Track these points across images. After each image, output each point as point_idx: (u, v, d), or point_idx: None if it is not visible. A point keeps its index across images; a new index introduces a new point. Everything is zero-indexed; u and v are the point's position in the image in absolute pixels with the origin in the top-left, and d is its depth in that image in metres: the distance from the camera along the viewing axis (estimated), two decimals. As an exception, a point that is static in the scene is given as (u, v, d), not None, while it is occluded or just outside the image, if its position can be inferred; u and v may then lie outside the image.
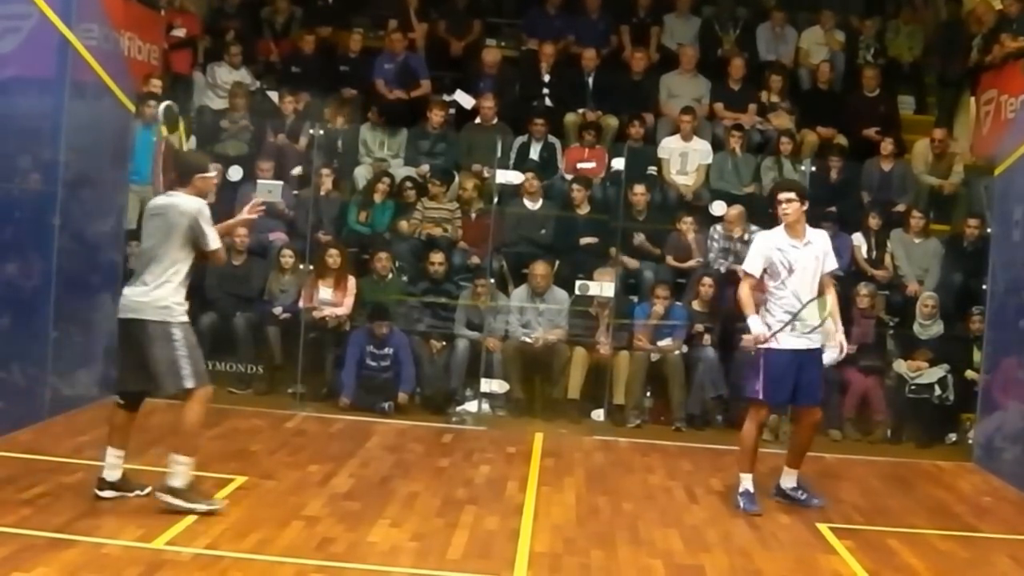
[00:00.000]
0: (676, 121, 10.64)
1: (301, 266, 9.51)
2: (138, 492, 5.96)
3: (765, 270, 6.64)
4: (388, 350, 9.08)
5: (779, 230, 6.67)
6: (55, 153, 7.64)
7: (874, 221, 9.91)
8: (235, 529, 5.58)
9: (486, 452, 7.89)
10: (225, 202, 9.98)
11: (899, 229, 9.93)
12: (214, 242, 5.90)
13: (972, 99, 10.79)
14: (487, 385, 9.13)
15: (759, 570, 5.58)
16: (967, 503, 7.32)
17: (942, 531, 6.48)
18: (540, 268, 9.43)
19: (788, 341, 6.57)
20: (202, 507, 5.76)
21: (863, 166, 10.44)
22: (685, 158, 10.48)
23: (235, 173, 10.08)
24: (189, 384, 5.80)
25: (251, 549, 5.31)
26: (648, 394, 9.31)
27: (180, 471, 5.76)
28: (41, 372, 7.68)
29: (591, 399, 9.22)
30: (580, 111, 10.94)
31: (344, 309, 9.29)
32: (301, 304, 9.27)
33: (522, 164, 10.26)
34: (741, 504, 6.62)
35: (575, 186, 9.99)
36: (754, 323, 6.60)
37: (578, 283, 9.25)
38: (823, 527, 6.35)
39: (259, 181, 9.87)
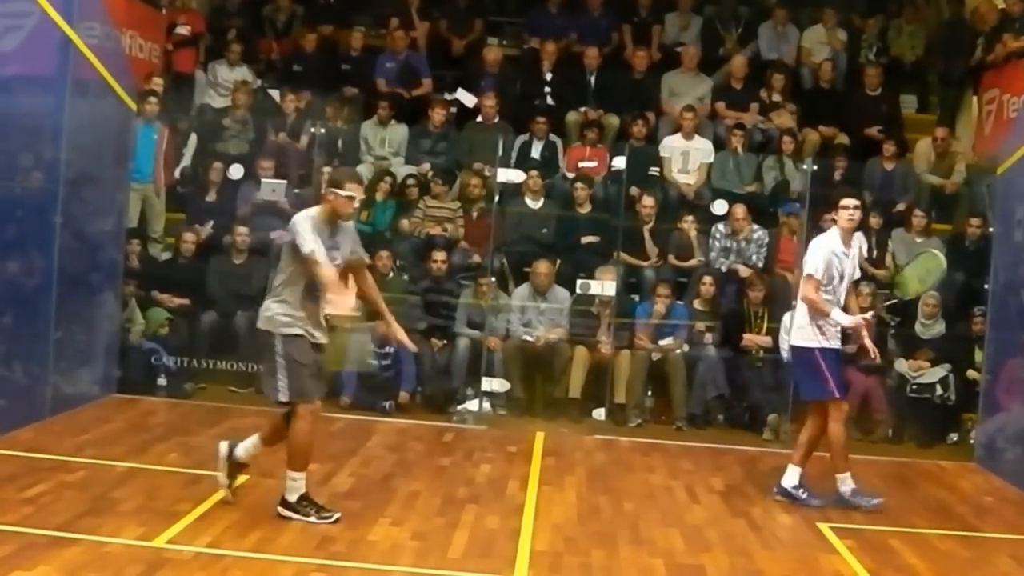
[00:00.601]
0: (678, 120, 10.63)
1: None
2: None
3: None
4: (389, 349, 9.07)
5: (835, 236, 6.79)
6: (56, 151, 7.64)
7: (875, 220, 9.90)
8: (236, 528, 5.57)
9: (487, 451, 7.89)
10: (226, 200, 10.04)
11: (900, 228, 9.91)
12: (307, 247, 5.58)
13: (974, 98, 10.80)
14: (488, 384, 9.12)
15: (760, 570, 5.57)
16: (968, 503, 7.31)
17: (943, 531, 6.48)
18: (541, 267, 9.42)
19: (835, 341, 6.86)
20: (314, 519, 5.78)
21: (865, 165, 10.42)
22: (687, 157, 10.47)
23: (236, 171, 10.08)
24: (282, 398, 5.78)
25: (252, 548, 5.30)
26: (649, 393, 9.30)
27: (291, 486, 5.84)
28: (42, 371, 7.68)
29: (592, 398, 9.21)
30: (582, 110, 10.94)
31: (351, 304, 9.26)
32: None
33: (523, 163, 10.26)
34: (862, 503, 6.71)
35: (577, 185, 9.99)
36: (842, 317, 6.76)
37: (579, 282, 9.25)
38: (824, 527, 6.35)
39: (263, 180, 9.89)
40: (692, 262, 9.80)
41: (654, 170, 10.44)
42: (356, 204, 5.85)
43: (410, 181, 10.20)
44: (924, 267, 7.11)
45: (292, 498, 5.83)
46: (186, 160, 10.40)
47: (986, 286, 8.88)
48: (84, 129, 7.96)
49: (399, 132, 10.72)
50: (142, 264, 9.44)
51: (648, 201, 9.82)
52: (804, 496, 6.84)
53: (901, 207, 10.17)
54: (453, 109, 10.93)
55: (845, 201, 6.79)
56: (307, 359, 5.77)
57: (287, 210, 9.93)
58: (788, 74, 11.16)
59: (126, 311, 9.07)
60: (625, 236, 9.69)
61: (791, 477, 6.90)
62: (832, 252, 6.75)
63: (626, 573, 5.41)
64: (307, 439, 5.83)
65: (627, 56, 11.42)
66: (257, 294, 9.51)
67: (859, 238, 7.02)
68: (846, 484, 6.78)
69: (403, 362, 9.07)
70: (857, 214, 6.79)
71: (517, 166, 10.07)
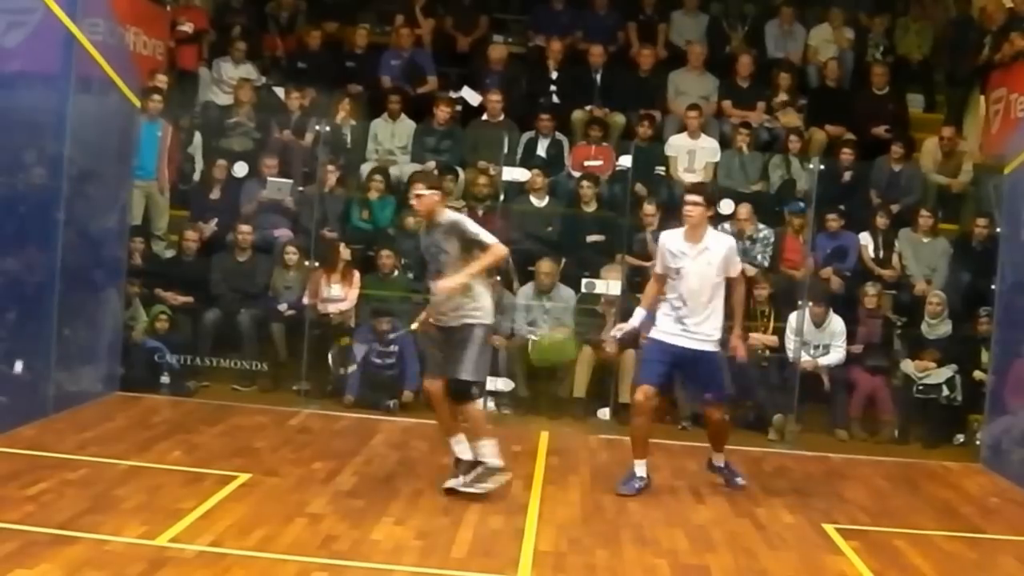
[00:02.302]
0: (683, 119, 10.60)
1: (306, 262, 9.49)
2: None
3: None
4: (393, 348, 9.05)
5: (679, 232, 6.67)
6: (60, 148, 7.62)
7: (881, 220, 9.86)
8: (238, 526, 5.56)
9: (491, 450, 7.86)
10: (230, 198, 10.02)
11: (907, 228, 9.88)
12: (488, 238, 6.34)
13: (981, 97, 10.75)
14: (492, 383, 9.08)
15: (764, 570, 5.55)
16: (974, 504, 7.28)
17: (949, 532, 6.44)
18: (546, 266, 9.39)
19: (665, 335, 6.65)
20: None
21: (873, 165, 10.39)
22: (693, 156, 10.44)
23: (240, 169, 10.06)
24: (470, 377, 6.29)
25: (254, 547, 5.28)
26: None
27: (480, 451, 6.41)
28: (45, 368, 7.66)
29: (597, 398, 9.18)
30: (588, 108, 10.91)
31: (348, 303, 9.27)
32: (306, 300, 9.25)
33: (529, 161, 10.23)
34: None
35: (583, 183, 9.96)
36: (635, 315, 6.79)
37: (584, 281, 9.22)
38: (829, 527, 6.32)
39: (268, 179, 9.88)
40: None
41: (660, 169, 10.41)
42: (413, 203, 6.40)
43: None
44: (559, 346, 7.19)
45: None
46: (199, 163, 10.38)
47: (993, 286, 8.83)
48: (88, 126, 7.95)
49: (408, 127, 10.70)
50: (145, 261, 9.42)
51: (650, 209, 9.80)
52: (727, 473, 7.09)
53: (904, 204, 10.12)
54: (458, 107, 10.91)
55: (685, 197, 6.68)
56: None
57: (291, 209, 9.95)
58: (794, 73, 11.13)
59: (130, 309, 9.06)
60: (630, 235, 9.66)
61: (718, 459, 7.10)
62: (667, 248, 6.63)
63: (630, 573, 5.38)
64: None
65: (633, 54, 11.40)
66: (260, 292, 9.55)
67: (724, 239, 6.74)
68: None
69: (407, 361, 9.05)
70: (695, 210, 6.52)
71: (522, 164, 10.05)
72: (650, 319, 6.82)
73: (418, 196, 6.40)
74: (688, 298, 6.57)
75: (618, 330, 7.04)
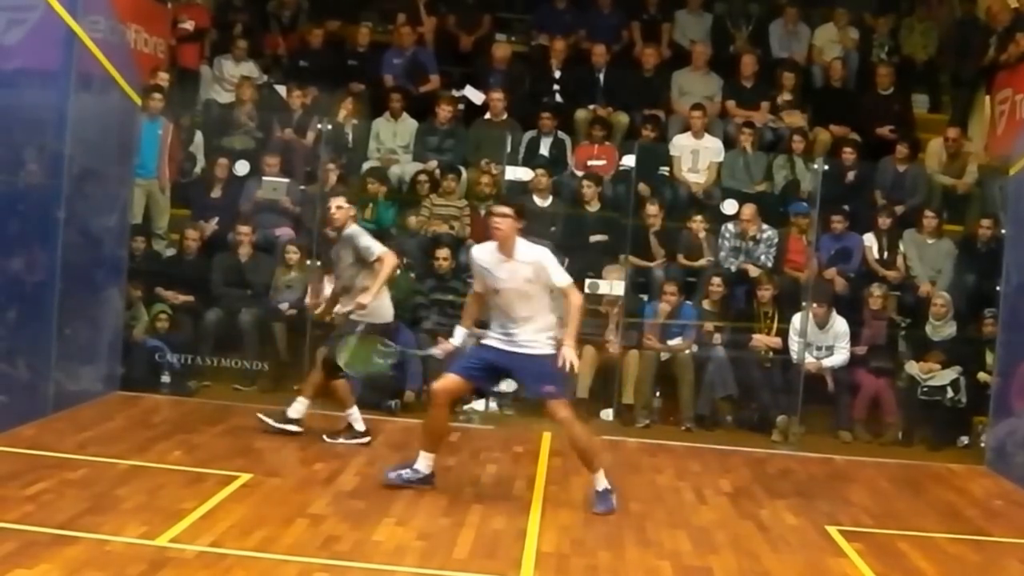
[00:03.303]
0: (687, 118, 10.57)
1: (308, 262, 9.46)
2: None
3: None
4: (394, 348, 8.99)
5: (491, 246, 6.43)
6: (60, 146, 7.60)
7: (885, 221, 9.82)
8: (239, 527, 5.54)
9: (493, 451, 7.85)
10: (231, 196, 10.00)
11: (912, 229, 9.84)
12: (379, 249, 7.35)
13: (987, 98, 10.70)
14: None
15: (767, 572, 5.53)
16: (978, 506, 7.25)
17: (953, 535, 6.42)
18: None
19: (489, 339, 6.47)
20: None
21: (877, 165, 10.35)
22: (696, 155, 10.40)
23: (242, 168, 10.04)
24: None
25: (255, 547, 5.26)
26: (657, 394, 9.24)
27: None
28: (45, 367, 7.63)
29: (600, 399, 9.15)
30: (591, 107, 10.87)
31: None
32: (307, 301, 9.20)
33: (531, 160, 10.20)
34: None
35: (586, 183, 9.92)
36: (456, 334, 6.58)
37: (588, 281, 9.18)
38: (832, 529, 6.30)
39: (264, 179, 9.86)
40: (701, 262, 9.73)
41: (664, 169, 10.38)
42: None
43: (422, 177, 10.13)
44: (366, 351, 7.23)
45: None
46: (200, 161, 10.35)
47: (998, 288, 8.80)
48: (88, 124, 7.92)
49: (410, 126, 10.67)
50: (146, 260, 9.39)
51: (653, 209, 9.76)
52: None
53: (908, 206, 10.09)
54: (460, 106, 10.88)
55: (493, 210, 6.50)
56: None
57: (290, 208, 9.92)
58: (799, 73, 11.09)
59: (132, 310, 9.03)
60: (634, 235, 9.62)
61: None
62: (478, 264, 6.42)
63: (633, 575, 5.36)
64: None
65: (636, 54, 11.36)
66: (261, 291, 9.52)
67: (538, 251, 6.38)
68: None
69: (408, 361, 9.01)
70: (504, 223, 6.25)
71: (525, 163, 10.02)
72: (472, 336, 6.64)
73: (339, 207, 7.41)
74: (507, 311, 6.33)
75: (440, 349, 6.83)
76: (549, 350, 6.35)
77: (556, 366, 6.28)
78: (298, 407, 7.65)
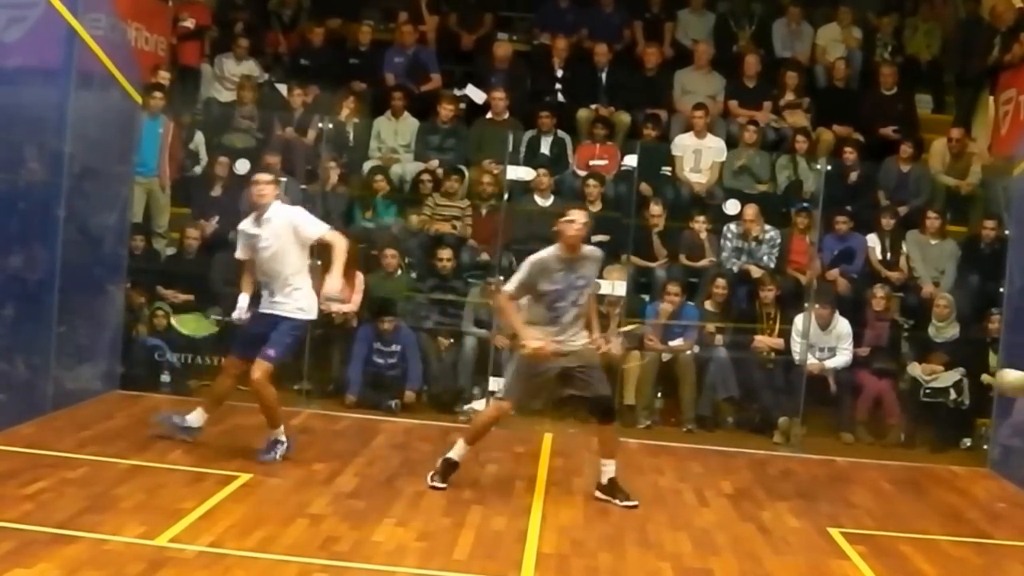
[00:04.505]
0: (690, 118, 10.54)
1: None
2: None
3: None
4: (395, 347, 9.00)
5: (251, 216, 6.98)
6: (60, 144, 7.58)
7: (889, 222, 9.79)
8: (239, 527, 5.52)
9: (494, 451, 7.79)
10: (232, 195, 9.96)
11: (915, 230, 9.81)
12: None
13: (991, 98, 10.67)
14: (495, 384, 9.00)
15: (768, 574, 5.51)
16: (981, 509, 7.23)
17: (955, 537, 6.40)
18: (549, 266, 9.31)
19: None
20: (619, 503, 6.51)
21: (881, 166, 10.32)
22: (699, 155, 10.37)
23: (242, 167, 10.00)
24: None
25: (254, 547, 5.25)
26: (659, 395, 9.21)
27: (605, 470, 6.63)
28: (44, 365, 7.62)
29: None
30: (593, 107, 10.85)
31: (352, 306, 9.20)
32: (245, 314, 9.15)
33: (532, 159, 10.17)
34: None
35: (590, 182, 9.90)
36: (240, 301, 7.11)
37: (588, 281, 9.13)
38: (834, 531, 6.28)
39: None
40: (703, 262, 9.71)
41: (666, 169, 10.35)
42: (576, 228, 6.49)
43: (424, 177, 10.11)
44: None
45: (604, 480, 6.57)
46: (203, 158, 10.33)
47: (1001, 289, 8.77)
48: (88, 122, 7.89)
49: (411, 125, 10.64)
50: (146, 259, 9.36)
51: (656, 209, 9.73)
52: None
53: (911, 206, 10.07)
54: (462, 105, 10.85)
55: (256, 176, 7.00)
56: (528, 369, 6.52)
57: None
58: (802, 73, 11.06)
59: (135, 311, 9.01)
60: (636, 235, 9.60)
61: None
62: (242, 232, 6.99)
63: (634, 577, 5.34)
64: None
65: (639, 53, 11.34)
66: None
67: (291, 211, 6.96)
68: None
69: (409, 360, 9.00)
70: (266, 188, 6.87)
71: (525, 163, 9.98)
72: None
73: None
74: (267, 272, 6.89)
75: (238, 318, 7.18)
76: (299, 315, 6.91)
77: (292, 334, 6.93)
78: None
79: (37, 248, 7.51)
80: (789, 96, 10.85)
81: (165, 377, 8.94)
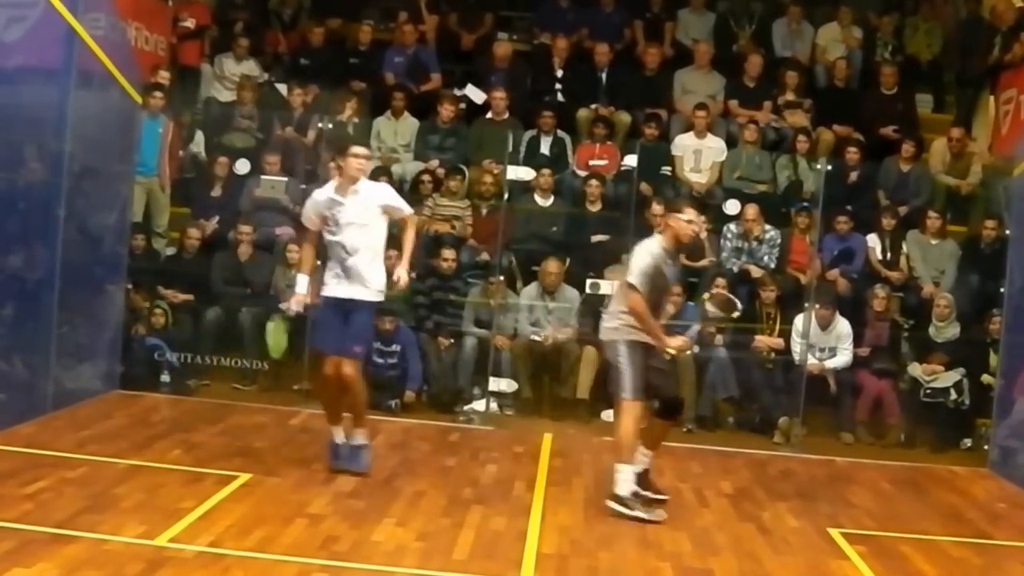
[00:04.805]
0: (690, 118, 10.54)
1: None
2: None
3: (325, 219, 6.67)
4: (395, 347, 8.99)
5: (329, 184, 6.75)
6: (60, 144, 7.58)
7: (889, 222, 9.79)
8: (238, 527, 5.51)
9: (493, 451, 7.82)
10: (232, 195, 9.97)
11: (915, 230, 9.81)
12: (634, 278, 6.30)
13: (991, 98, 10.67)
14: (495, 384, 9.04)
15: (768, 574, 5.50)
16: (981, 509, 7.22)
17: (955, 537, 6.39)
18: (551, 266, 9.33)
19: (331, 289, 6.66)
20: (642, 515, 6.20)
21: (881, 166, 10.31)
22: (699, 155, 10.37)
23: (242, 166, 10.02)
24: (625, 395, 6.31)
25: (254, 547, 5.24)
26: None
27: (620, 479, 6.27)
28: (44, 365, 7.61)
29: (601, 399, 9.10)
30: (593, 106, 10.84)
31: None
32: (308, 300, 9.16)
33: (532, 159, 10.17)
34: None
35: (590, 182, 9.89)
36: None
37: (589, 281, 9.16)
38: (834, 532, 6.27)
39: (262, 177, 9.83)
40: (703, 262, 9.70)
41: (666, 169, 10.35)
42: (694, 228, 6.46)
43: (425, 177, 10.10)
44: None
45: (621, 492, 6.21)
46: (200, 150, 10.32)
47: (1001, 289, 8.76)
48: (88, 122, 7.89)
49: (411, 124, 10.64)
50: (146, 259, 9.36)
51: (658, 209, 9.73)
52: None
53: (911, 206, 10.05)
54: (462, 105, 10.84)
55: (352, 149, 6.65)
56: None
57: (290, 207, 9.89)
58: (802, 72, 11.05)
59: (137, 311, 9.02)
60: (636, 235, 9.56)
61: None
62: (322, 199, 6.67)
63: (633, 577, 5.34)
64: (631, 434, 6.34)
65: (639, 53, 11.33)
66: (261, 290, 9.50)
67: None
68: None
69: (409, 360, 8.99)
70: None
71: (525, 163, 9.98)
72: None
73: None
74: (349, 246, 6.59)
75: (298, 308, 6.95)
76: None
77: None
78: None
79: (37, 247, 7.50)
80: (789, 96, 10.85)
81: (165, 377, 8.93)
